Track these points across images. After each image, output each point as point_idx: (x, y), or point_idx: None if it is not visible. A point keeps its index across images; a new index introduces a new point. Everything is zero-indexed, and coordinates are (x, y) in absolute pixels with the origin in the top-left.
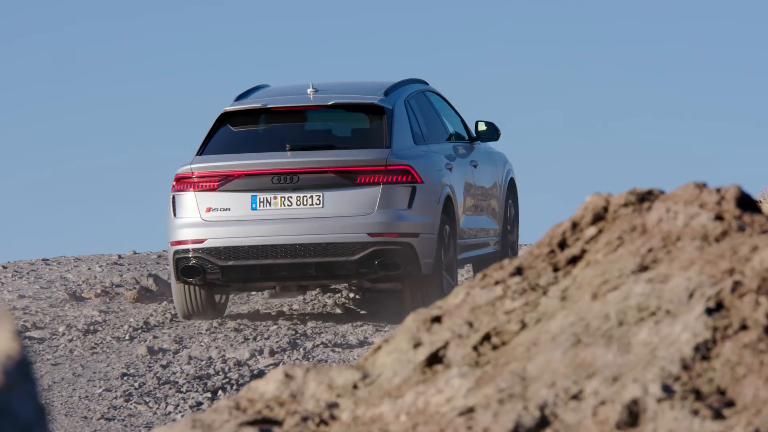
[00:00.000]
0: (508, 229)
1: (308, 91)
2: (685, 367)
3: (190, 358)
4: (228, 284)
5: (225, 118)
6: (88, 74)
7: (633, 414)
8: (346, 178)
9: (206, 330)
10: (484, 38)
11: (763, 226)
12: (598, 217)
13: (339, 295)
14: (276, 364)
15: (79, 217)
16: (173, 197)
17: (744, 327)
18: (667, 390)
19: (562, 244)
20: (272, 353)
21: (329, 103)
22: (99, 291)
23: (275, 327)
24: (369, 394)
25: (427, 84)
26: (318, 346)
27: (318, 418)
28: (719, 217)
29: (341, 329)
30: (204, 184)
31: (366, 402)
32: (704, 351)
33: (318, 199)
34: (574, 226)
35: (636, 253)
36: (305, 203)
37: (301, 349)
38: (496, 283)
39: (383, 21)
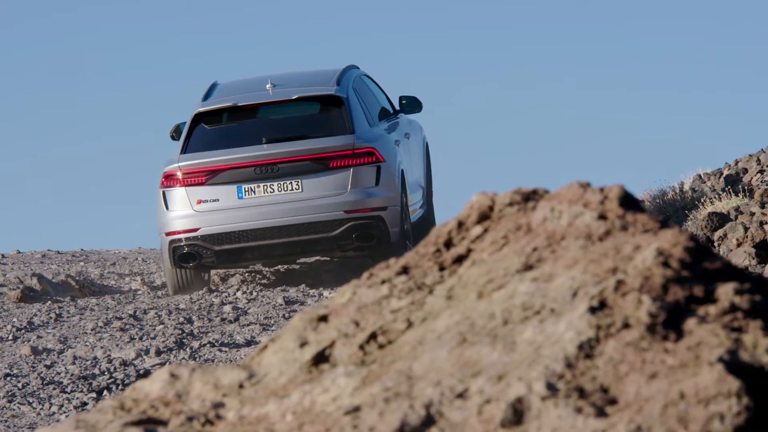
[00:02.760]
0: (430, 191)
1: (267, 86)
2: (569, 365)
3: (75, 358)
4: (221, 265)
5: (199, 118)
6: None
7: (517, 412)
8: (320, 164)
9: (91, 330)
10: (412, 22)
11: (646, 225)
12: (484, 217)
13: (226, 294)
14: (162, 364)
15: None
16: (163, 193)
17: (626, 325)
18: (551, 388)
19: (448, 244)
20: (158, 353)
21: (293, 98)
22: None
23: (161, 326)
24: (255, 394)
25: (359, 68)
26: (205, 345)
27: (203, 417)
28: (602, 217)
29: (228, 329)
30: (192, 179)
31: (252, 401)
32: (588, 349)
33: (297, 184)
34: (460, 225)
35: (521, 252)
36: (286, 189)
37: (187, 349)
38: (383, 282)
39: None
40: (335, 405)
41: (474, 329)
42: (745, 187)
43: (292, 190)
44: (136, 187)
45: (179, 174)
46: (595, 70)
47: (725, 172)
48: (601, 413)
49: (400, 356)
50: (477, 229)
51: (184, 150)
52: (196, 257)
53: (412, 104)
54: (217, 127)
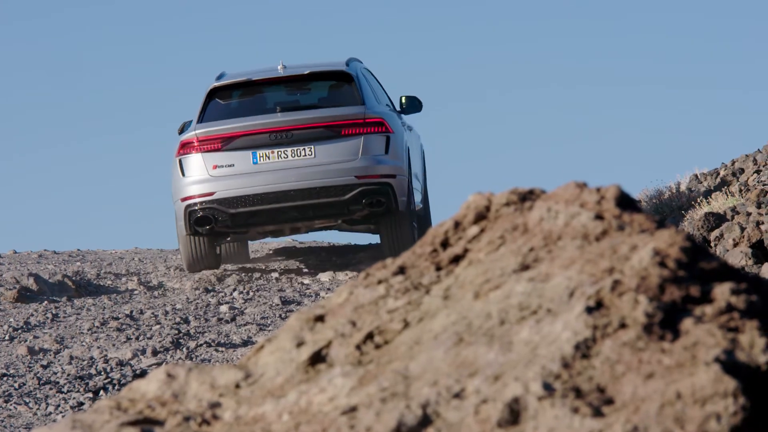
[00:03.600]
0: (426, 193)
1: (278, 67)
2: (566, 365)
3: (71, 358)
4: (236, 229)
5: (214, 93)
6: None
7: (514, 412)
8: (332, 131)
9: (88, 329)
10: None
11: (642, 225)
12: (481, 217)
13: (223, 294)
14: (159, 364)
15: None
16: (180, 160)
17: (623, 325)
18: (548, 388)
19: (445, 244)
20: (155, 353)
21: (305, 73)
22: None
23: (158, 326)
24: (251, 394)
25: (362, 62)
26: (201, 345)
27: (200, 417)
28: (599, 217)
29: (225, 329)
30: (208, 145)
31: (248, 401)
32: (584, 349)
33: (310, 150)
34: (457, 225)
35: (517, 252)
36: (299, 155)
37: (184, 349)
38: (379, 282)
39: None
40: (332, 405)
41: (471, 329)
42: (742, 188)
43: (306, 155)
44: (133, 188)
45: (195, 141)
46: (592, 69)
47: (722, 173)
48: (597, 413)
49: (396, 356)
50: (474, 229)
51: (200, 120)
52: (212, 220)
53: (412, 104)
54: (231, 101)
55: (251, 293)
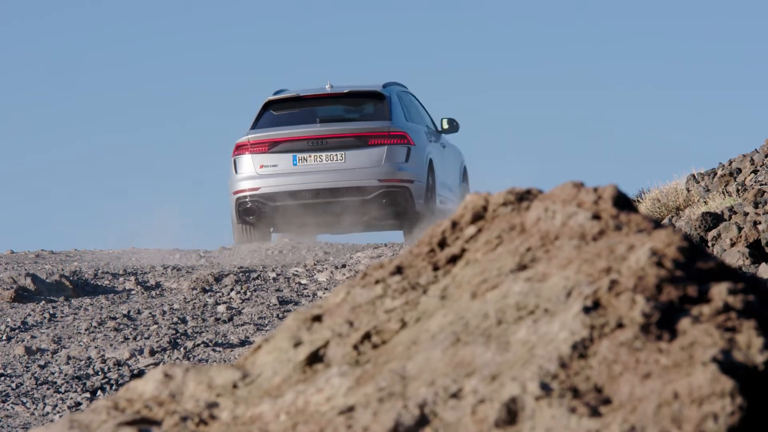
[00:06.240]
0: None
1: (326, 86)
2: (563, 365)
3: (68, 358)
4: (276, 219)
5: (268, 105)
6: None
7: (511, 412)
8: (361, 141)
9: (85, 330)
10: (454, 41)
11: (639, 225)
12: (478, 217)
13: (220, 294)
14: (156, 364)
15: None
16: (234, 160)
17: (620, 325)
18: (545, 388)
19: (442, 244)
20: (152, 353)
21: (345, 91)
22: None
23: (155, 326)
24: (249, 394)
25: (406, 87)
26: (199, 345)
27: (197, 417)
28: (596, 217)
29: (222, 329)
30: (257, 148)
31: (246, 401)
32: (582, 349)
33: (342, 156)
34: (454, 225)
35: (515, 252)
36: (332, 159)
37: (181, 349)
38: (377, 282)
39: (365, 22)
40: (329, 405)
41: (468, 329)
42: (739, 187)
43: (338, 160)
44: (130, 187)
45: (248, 144)
46: (590, 70)
47: (719, 172)
48: (594, 413)
49: (394, 356)
50: (471, 229)
51: (254, 127)
52: (256, 211)
53: (451, 125)
54: (282, 112)
55: (248, 293)
